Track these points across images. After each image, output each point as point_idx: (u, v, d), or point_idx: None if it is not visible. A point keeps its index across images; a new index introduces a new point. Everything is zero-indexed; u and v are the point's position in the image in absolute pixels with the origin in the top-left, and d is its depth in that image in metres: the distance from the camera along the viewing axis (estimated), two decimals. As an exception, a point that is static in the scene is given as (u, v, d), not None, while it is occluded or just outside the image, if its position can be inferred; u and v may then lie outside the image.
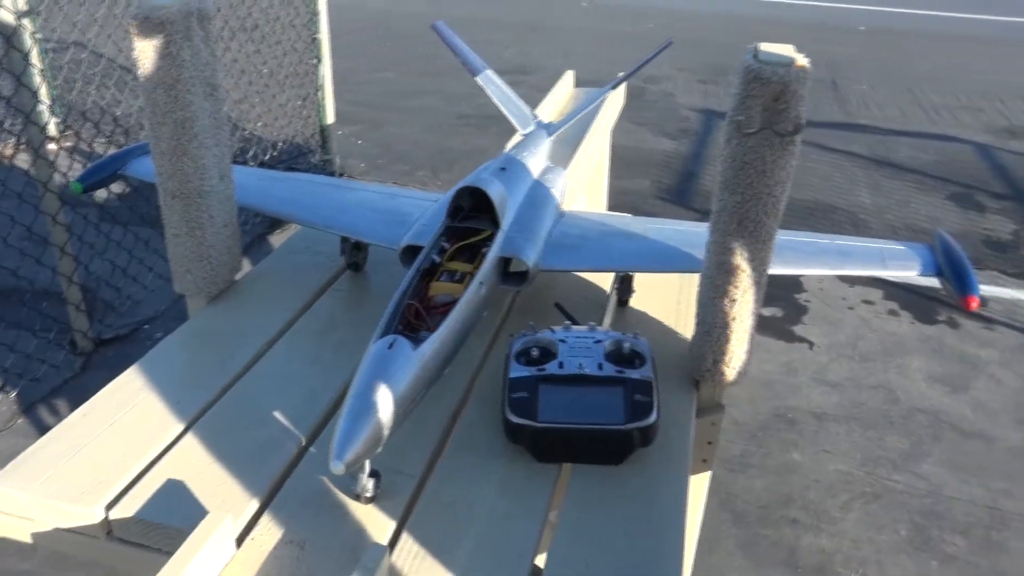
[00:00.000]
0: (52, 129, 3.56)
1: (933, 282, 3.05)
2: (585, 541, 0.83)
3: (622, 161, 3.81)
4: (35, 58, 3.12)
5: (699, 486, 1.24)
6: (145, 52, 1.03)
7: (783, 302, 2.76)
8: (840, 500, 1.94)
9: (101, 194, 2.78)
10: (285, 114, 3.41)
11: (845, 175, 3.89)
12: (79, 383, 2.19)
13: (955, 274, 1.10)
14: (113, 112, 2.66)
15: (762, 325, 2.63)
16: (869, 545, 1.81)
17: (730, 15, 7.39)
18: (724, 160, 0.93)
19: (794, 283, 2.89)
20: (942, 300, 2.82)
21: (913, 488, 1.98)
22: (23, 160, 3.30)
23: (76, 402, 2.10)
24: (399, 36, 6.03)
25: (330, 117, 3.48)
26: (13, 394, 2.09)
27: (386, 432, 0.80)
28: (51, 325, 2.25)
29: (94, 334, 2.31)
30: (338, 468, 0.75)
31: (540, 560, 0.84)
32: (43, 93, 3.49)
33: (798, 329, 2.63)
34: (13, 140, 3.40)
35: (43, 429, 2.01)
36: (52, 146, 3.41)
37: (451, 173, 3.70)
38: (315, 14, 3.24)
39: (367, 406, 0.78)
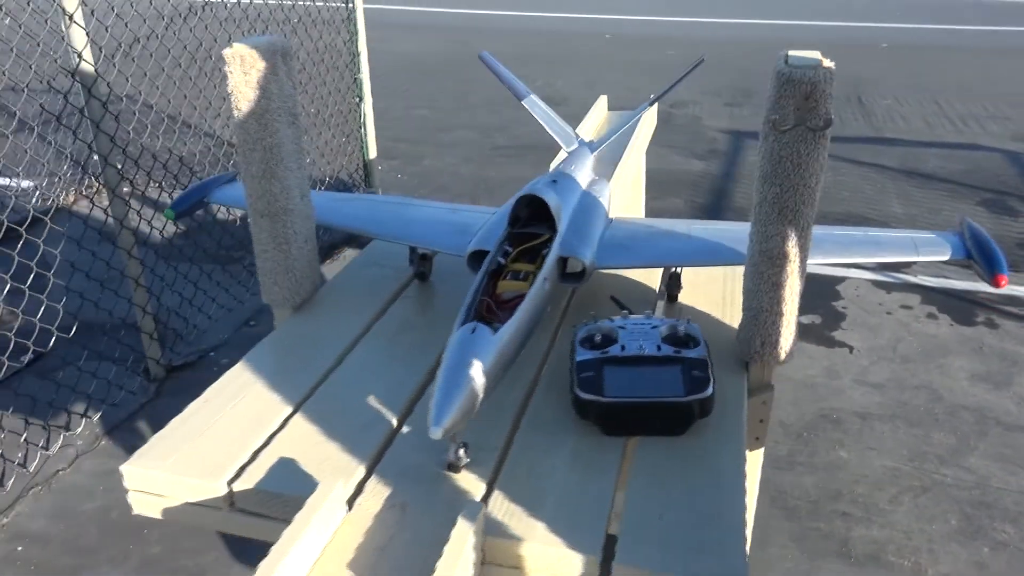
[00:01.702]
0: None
1: (970, 285, 3.10)
2: (657, 498, 0.92)
3: (654, 182, 3.91)
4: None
5: (753, 462, 1.32)
6: (238, 87, 1.17)
7: (821, 310, 2.83)
8: (889, 494, 1.99)
9: (170, 230, 2.95)
10: (330, 151, 3.57)
11: (875, 187, 3.96)
12: (154, 408, 2.33)
13: (983, 256, 1.19)
14: (163, 159, 2.82)
15: (801, 331, 2.70)
16: (920, 535, 1.86)
17: (750, 39, 7.52)
18: (762, 156, 1.03)
19: (831, 291, 2.95)
20: (980, 302, 2.87)
21: (961, 481, 2.03)
22: (83, 206, 3.52)
23: (154, 425, 2.24)
24: (431, 74, 6.25)
25: (372, 152, 3.64)
26: (96, 417, 2.23)
27: (475, 404, 0.90)
28: (128, 354, 2.40)
29: (165, 361, 2.45)
30: (437, 433, 0.85)
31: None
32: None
33: (837, 335, 2.69)
34: (74, 188, 3.63)
35: (126, 450, 2.15)
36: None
37: (491, 200, 3.84)
38: (356, 55, 3.42)
39: (458, 380, 0.89)
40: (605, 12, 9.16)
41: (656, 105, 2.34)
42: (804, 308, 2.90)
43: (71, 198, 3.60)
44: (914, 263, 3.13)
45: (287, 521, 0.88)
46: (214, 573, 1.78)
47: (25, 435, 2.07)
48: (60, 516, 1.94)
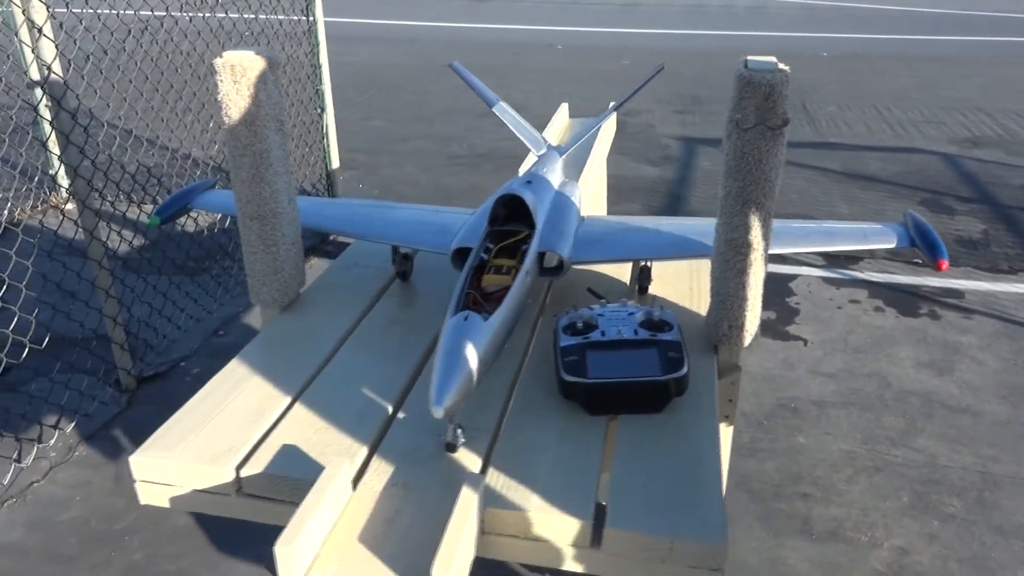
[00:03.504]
0: (64, 191, 3.76)
1: (913, 279, 3.25)
2: (640, 469, 0.99)
3: (611, 188, 4.02)
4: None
5: (723, 439, 1.40)
6: (229, 95, 1.22)
7: (776, 306, 2.95)
8: (845, 475, 2.10)
9: (138, 242, 2.95)
10: (293, 161, 3.59)
11: (821, 189, 4.13)
12: (126, 418, 2.33)
13: (926, 243, 1.30)
14: (127, 172, 2.81)
15: (759, 327, 2.82)
16: (876, 511, 1.97)
17: (698, 50, 7.74)
18: (727, 153, 1.12)
19: (784, 288, 3.08)
20: (923, 295, 3.03)
21: (911, 460, 2.15)
22: (53, 218, 3.48)
23: (127, 435, 2.24)
24: (384, 86, 6.29)
25: (335, 162, 3.68)
26: (69, 428, 2.23)
27: (471, 385, 0.97)
28: (99, 365, 2.39)
29: (136, 372, 2.45)
30: (438, 413, 0.92)
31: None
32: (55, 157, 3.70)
33: (792, 329, 2.82)
34: (31, 202, 3.59)
35: (100, 460, 2.15)
36: (69, 206, 3.61)
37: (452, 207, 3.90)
38: (318, 67, 3.47)
39: (456, 363, 0.95)
40: (556, 24, 9.32)
41: (616, 112, 2.44)
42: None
43: (37, 210, 3.58)
44: (862, 260, 3.29)
45: (293, 503, 0.94)
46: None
47: (-3, 448, 2.07)
48: (37, 527, 1.94)
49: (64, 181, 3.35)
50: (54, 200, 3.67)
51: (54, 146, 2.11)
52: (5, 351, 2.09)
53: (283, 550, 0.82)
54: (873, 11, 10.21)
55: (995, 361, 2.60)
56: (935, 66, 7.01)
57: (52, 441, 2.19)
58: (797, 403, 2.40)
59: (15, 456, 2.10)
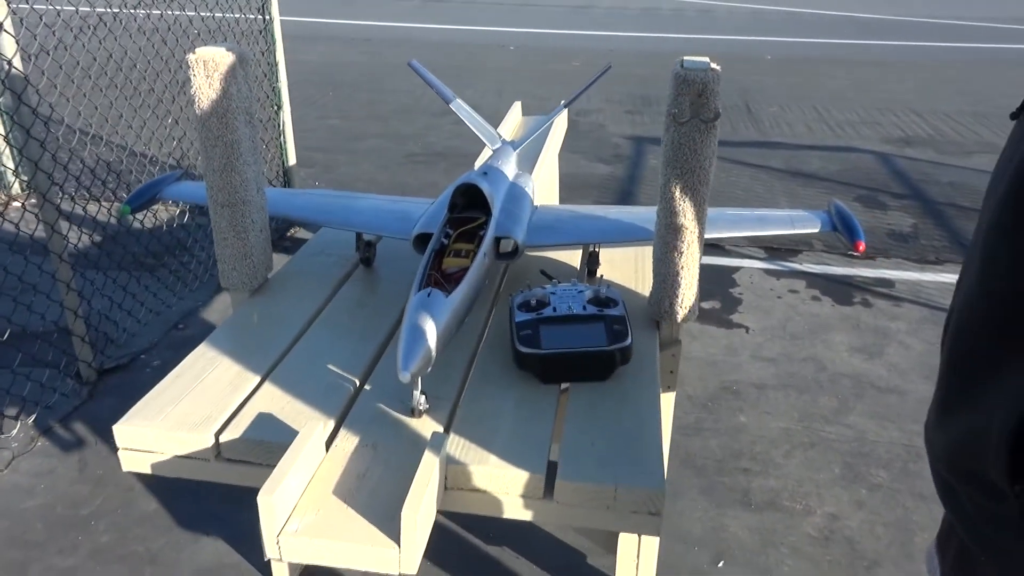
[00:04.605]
0: (16, 188, 3.74)
1: (847, 271, 3.43)
2: (588, 430, 1.10)
3: (564, 185, 4.14)
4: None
5: (666, 405, 1.52)
6: (201, 88, 1.29)
7: (720, 296, 3.10)
8: (783, 450, 2.24)
9: (98, 236, 2.96)
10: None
11: (765, 186, 4.31)
12: (87, 409, 2.36)
13: (846, 227, 1.43)
14: (87, 167, 2.83)
15: (703, 316, 2.96)
16: (810, 482, 2.12)
17: (648, 51, 7.93)
18: (665, 145, 1.23)
19: (728, 279, 3.23)
20: (856, 285, 3.21)
21: (843, 436, 2.31)
22: (13, 211, 3.45)
23: (88, 426, 2.26)
24: (340, 85, 6.32)
25: (292, 159, 3.72)
26: (31, 420, 2.25)
27: (434, 354, 1.06)
28: (60, 358, 2.42)
29: (96, 365, 2.48)
30: (405, 377, 1.01)
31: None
32: (7, 155, 3.68)
33: (735, 317, 2.96)
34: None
35: (62, 450, 2.18)
36: (16, 203, 3.59)
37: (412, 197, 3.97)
38: (274, 64, 3.51)
39: (420, 333, 1.04)
40: (509, 25, 9.44)
41: (567, 110, 2.55)
42: (705, 295, 3.16)
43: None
44: (801, 252, 3.46)
45: (271, 466, 1.02)
46: (165, 557, 1.86)
47: (-41, 439, 2.08)
48: (2, 514, 1.97)
49: (24, 175, 3.34)
50: (11, 195, 3.64)
51: (13, 140, 2.13)
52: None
53: (265, 499, 0.90)
54: (816, 16, 10.56)
55: (920, 345, 2.78)
56: (871, 69, 7.31)
57: (14, 432, 2.21)
58: (739, 386, 2.54)
59: (-23, 447, 2.12)
